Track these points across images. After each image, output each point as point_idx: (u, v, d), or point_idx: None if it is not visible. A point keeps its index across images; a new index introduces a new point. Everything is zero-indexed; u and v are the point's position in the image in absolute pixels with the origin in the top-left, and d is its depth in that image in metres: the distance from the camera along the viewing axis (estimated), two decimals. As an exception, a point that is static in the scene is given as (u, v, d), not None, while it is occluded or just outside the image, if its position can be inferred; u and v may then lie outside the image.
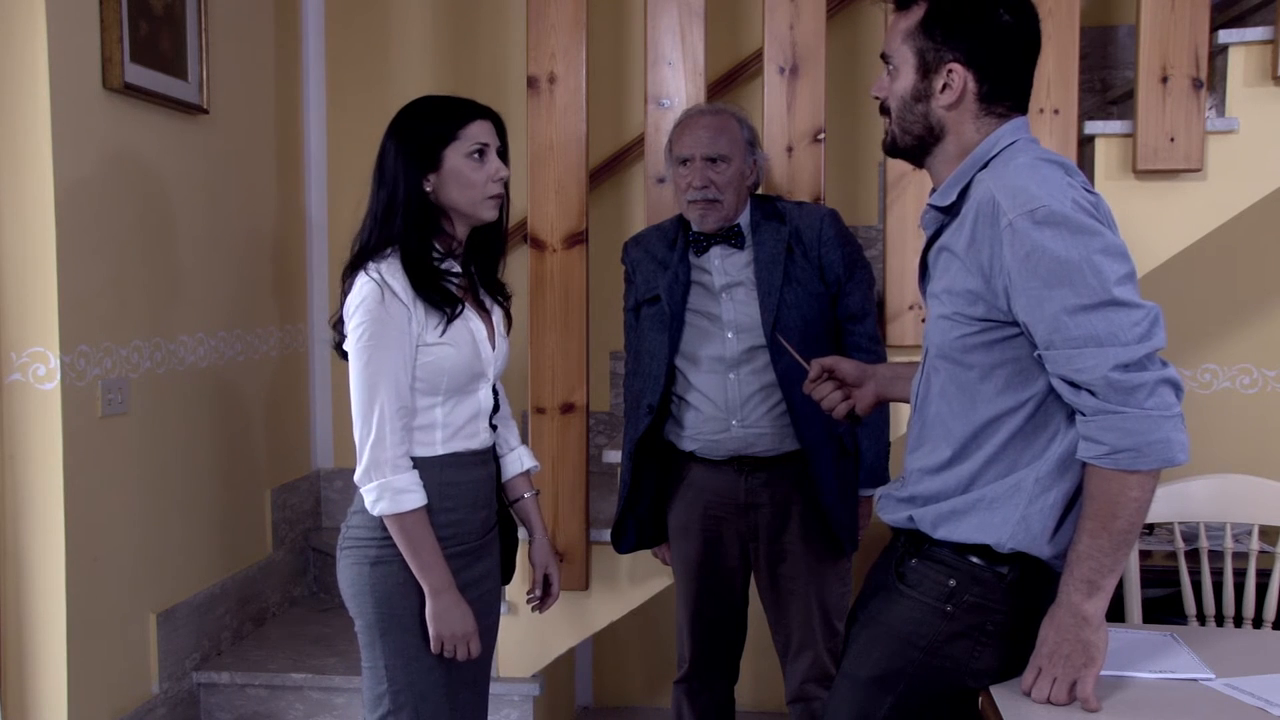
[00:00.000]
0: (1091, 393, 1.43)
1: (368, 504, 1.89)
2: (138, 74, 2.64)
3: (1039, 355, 1.48)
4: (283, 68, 3.47)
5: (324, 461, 3.70)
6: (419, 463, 1.93)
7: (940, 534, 1.58)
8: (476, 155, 1.95)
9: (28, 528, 2.43)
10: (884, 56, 1.65)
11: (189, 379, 2.93)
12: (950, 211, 1.60)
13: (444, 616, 1.91)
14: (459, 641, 1.93)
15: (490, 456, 2.09)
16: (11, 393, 2.42)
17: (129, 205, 2.67)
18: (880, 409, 2.27)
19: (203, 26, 2.92)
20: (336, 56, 3.64)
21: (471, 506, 2.01)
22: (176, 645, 2.86)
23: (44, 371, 2.41)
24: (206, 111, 2.95)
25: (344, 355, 1.96)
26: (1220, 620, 2.31)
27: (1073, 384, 1.45)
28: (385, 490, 1.87)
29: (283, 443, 3.48)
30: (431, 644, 1.93)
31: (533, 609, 2.23)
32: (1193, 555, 2.34)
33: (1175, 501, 2.22)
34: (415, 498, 1.89)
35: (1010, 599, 1.56)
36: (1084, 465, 1.47)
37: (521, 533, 2.24)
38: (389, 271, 1.89)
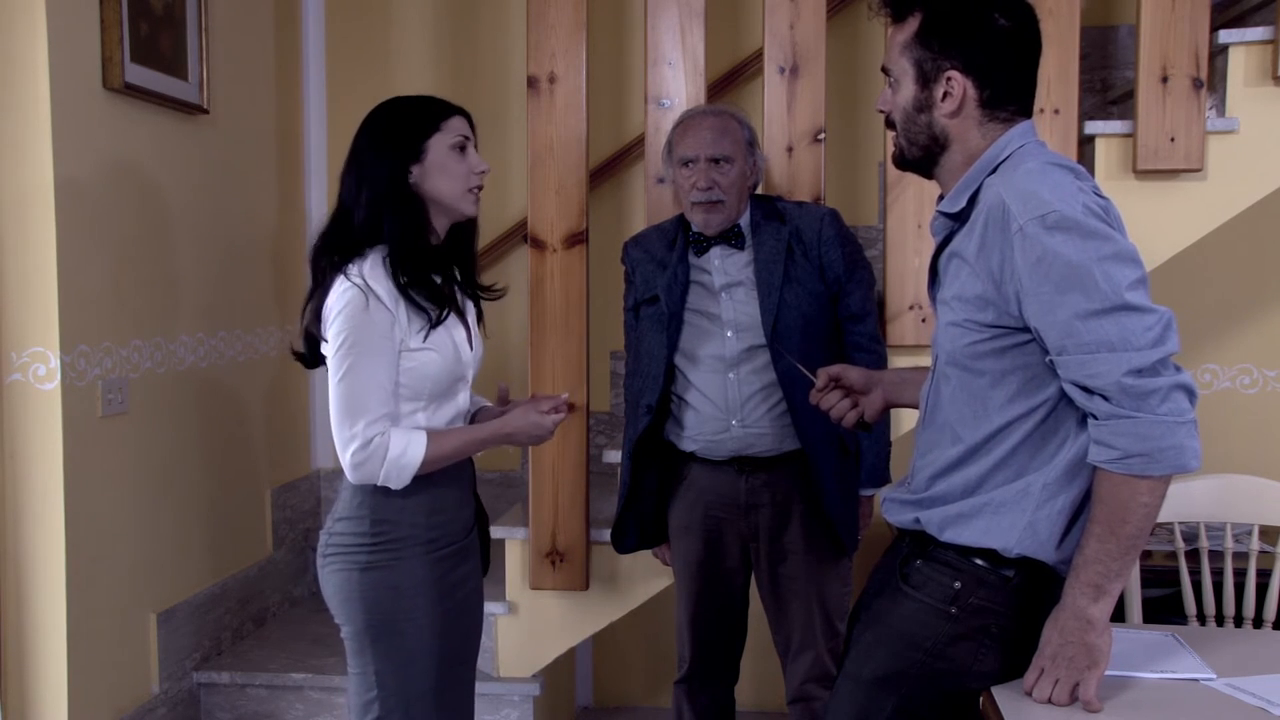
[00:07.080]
0: (1105, 398, 1.42)
1: (392, 487, 1.88)
2: (138, 74, 2.64)
3: (1051, 361, 1.47)
4: (283, 68, 3.47)
5: (324, 461, 3.69)
6: None
7: (947, 536, 1.57)
8: (459, 148, 1.96)
9: (28, 528, 2.43)
10: (884, 70, 1.64)
11: (189, 379, 2.93)
12: (960, 218, 1.59)
13: (517, 435, 1.94)
14: (542, 432, 1.95)
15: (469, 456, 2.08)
16: (11, 393, 2.42)
17: (129, 205, 2.67)
18: (882, 411, 2.27)
19: (203, 26, 2.91)
20: (336, 56, 3.64)
21: (457, 506, 2.02)
22: (176, 645, 2.86)
23: (44, 371, 2.41)
24: (206, 111, 2.95)
25: (304, 363, 1.96)
26: (1220, 620, 2.31)
27: (1086, 389, 1.44)
28: (390, 474, 1.86)
29: (283, 443, 3.47)
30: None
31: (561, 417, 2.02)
32: (1193, 555, 2.34)
33: (1175, 501, 2.21)
34: (415, 451, 1.86)
35: (1015, 602, 1.55)
36: (1094, 470, 1.47)
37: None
38: (372, 275, 1.86)
